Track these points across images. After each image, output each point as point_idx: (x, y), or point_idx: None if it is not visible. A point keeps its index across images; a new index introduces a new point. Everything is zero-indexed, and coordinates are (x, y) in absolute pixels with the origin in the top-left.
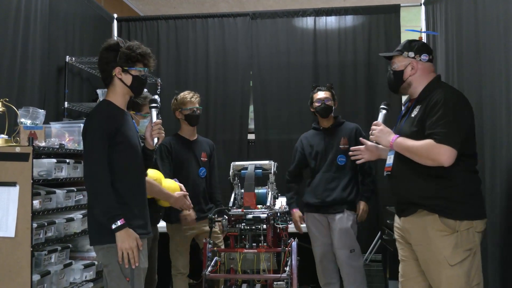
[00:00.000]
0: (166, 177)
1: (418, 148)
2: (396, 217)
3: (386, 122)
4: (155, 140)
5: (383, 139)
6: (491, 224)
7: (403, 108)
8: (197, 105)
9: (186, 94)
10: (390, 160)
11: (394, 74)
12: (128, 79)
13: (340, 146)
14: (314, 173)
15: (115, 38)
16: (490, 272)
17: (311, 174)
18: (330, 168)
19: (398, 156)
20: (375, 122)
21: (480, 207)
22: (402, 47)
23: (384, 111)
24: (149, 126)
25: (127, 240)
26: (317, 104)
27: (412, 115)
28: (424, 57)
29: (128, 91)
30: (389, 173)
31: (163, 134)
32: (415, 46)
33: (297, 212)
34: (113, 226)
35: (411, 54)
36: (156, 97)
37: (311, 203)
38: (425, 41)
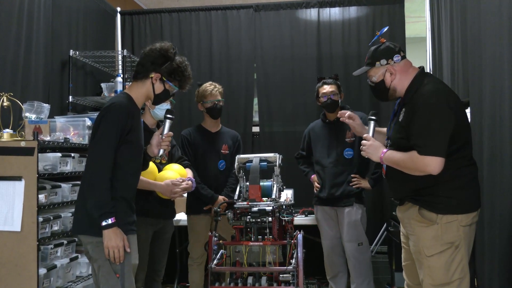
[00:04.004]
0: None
1: (404, 161)
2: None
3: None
4: (161, 151)
5: (373, 155)
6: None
7: (396, 105)
8: (219, 97)
9: (208, 86)
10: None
11: (376, 86)
12: (159, 88)
13: (346, 140)
14: (322, 166)
15: (170, 45)
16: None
17: (319, 167)
18: (338, 162)
19: None
20: (365, 135)
21: (469, 200)
22: (372, 58)
23: (373, 122)
24: (158, 135)
25: (114, 239)
26: (323, 100)
27: (400, 120)
28: (396, 58)
29: (152, 97)
30: (384, 176)
31: (169, 148)
32: (383, 51)
33: (314, 177)
34: (103, 223)
35: (383, 61)
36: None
37: (321, 197)
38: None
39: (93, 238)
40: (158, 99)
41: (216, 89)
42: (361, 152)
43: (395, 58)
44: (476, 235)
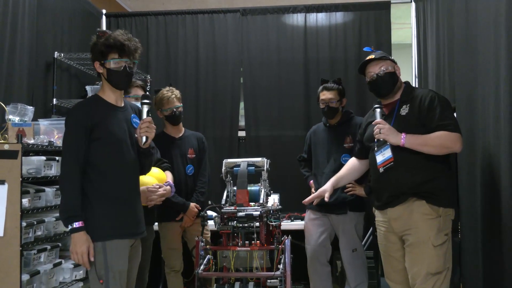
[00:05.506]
0: None
1: (434, 139)
2: (378, 213)
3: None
4: (143, 138)
5: (392, 137)
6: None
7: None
8: (176, 104)
9: (164, 93)
10: (383, 157)
11: (386, 75)
12: (105, 72)
13: (345, 145)
14: (319, 170)
15: (99, 30)
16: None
17: (316, 171)
18: (334, 168)
19: (397, 152)
20: (378, 120)
21: (455, 196)
22: (386, 55)
23: (379, 110)
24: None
25: (78, 244)
26: (321, 106)
27: (403, 114)
28: (398, 66)
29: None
30: (391, 164)
31: (153, 133)
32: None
33: (312, 183)
34: (69, 227)
35: (394, 61)
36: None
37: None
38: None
39: None
40: (113, 84)
41: (173, 95)
42: (378, 135)
43: (398, 65)
44: (468, 239)
